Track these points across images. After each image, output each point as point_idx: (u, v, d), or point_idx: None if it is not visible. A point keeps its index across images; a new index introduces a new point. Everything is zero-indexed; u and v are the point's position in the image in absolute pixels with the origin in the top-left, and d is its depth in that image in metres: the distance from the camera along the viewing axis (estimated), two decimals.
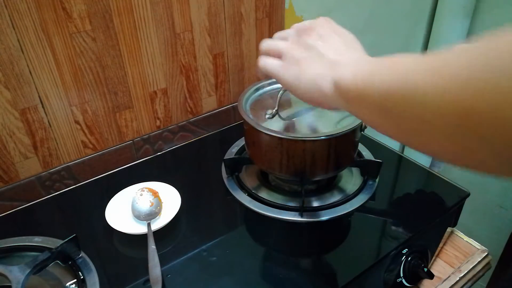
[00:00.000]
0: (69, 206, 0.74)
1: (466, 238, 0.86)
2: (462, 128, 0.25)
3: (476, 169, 0.28)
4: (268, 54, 0.50)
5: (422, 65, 0.30)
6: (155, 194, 0.69)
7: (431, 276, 0.66)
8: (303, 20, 0.98)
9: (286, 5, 0.93)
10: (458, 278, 0.77)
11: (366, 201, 0.71)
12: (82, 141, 0.76)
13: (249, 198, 0.71)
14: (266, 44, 0.51)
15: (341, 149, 0.67)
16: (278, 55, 0.48)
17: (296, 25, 0.48)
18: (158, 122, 0.85)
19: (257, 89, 0.76)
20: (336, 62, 0.42)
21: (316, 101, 0.44)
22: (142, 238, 0.65)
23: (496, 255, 1.37)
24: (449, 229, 0.86)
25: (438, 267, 0.80)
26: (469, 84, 0.24)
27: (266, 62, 0.49)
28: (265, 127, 0.65)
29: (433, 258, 0.81)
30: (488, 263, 0.82)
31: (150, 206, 0.67)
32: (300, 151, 0.64)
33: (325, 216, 0.68)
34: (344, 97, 0.39)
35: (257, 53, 0.92)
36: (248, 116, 0.68)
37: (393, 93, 0.32)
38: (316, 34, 0.45)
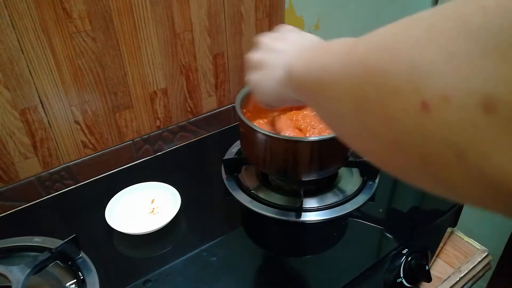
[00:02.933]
0: (69, 206, 0.74)
1: (466, 238, 0.86)
2: (361, 109, 0.25)
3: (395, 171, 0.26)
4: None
5: (341, 49, 0.30)
6: None
7: (429, 279, 0.66)
8: (303, 20, 0.99)
9: (286, 5, 0.93)
10: (458, 278, 0.77)
11: (366, 202, 0.71)
12: (82, 141, 0.76)
13: (248, 198, 0.71)
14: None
15: (330, 151, 0.67)
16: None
17: (259, 37, 0.50)
18: (158, 122, 0.85)
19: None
20: (288, 51, 0.43)
21: (278, 97, 0.45)
22: (142, 238, 0.65)
23: (496, 255, 1.37)
24: (449, 229, 0.86)
25: (438, 267, 0.80)
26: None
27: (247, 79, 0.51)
28: (259, 127, 0.65)
29: (433, 258, 0.81)
30: (488, 263, 0.82)
31: None
32: (282, 151, 0.65)
33: (324, 216, 0.68)
34: (291, 85, 0.40)
35: None
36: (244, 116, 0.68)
37: (316, 80, 0.32)
38: (273, 39, 0.47)
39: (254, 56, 0.48)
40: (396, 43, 0.22)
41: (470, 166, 0.18)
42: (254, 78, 0.48)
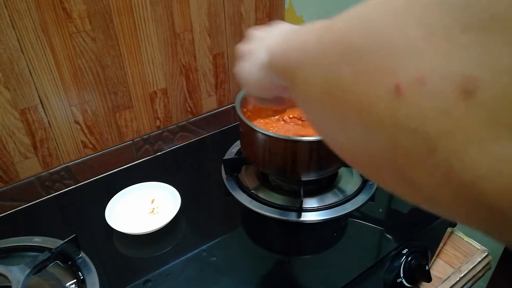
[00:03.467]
0: (69, 206, 0.74)
1: (466, 238, 0.86)
2: (330, 98, 0.23)
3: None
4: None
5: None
6: None
7: (429, 279, 0.66)
8: (303, 20, 0.99)
9: (286, 5, 0.93)
10: (458, 278, 0.77)
11: (366, 202, 0.71)
12: (82, 141, 0.76)
13: (248, 198, 0.71)
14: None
15: (330, 151, 0.67)
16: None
17: (251, 30, 0.49)
18: (158, 122, 0.85)
19: None
20: (273, 37, 0.42)
21: (263, 85, 0.43)
22: (142, 238, 0.65)
23: (496, 255, 1.37)
24: (449, 229, 0.86)
25: (438, 267, 0.80)
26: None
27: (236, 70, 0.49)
28: (259, 127, 0.65)
29: (433, 258, 0.81)
30: (488, 263, 0.82)
31: None
32: (282, 150, 0.65)
33: (324, 216, 0.68)
34: (273, 69, 0.38)
35: None
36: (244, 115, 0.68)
37: (293, 61, 0.30)
38: (262, 32, 0.46)
39: (242, 46, 0.47)
40: (377, 17, 0.20)
41: (440, 163, 0.16)
42: (240, 67, 0.46)
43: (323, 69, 0.24)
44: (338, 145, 0.25)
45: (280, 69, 0.35)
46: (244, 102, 0.74)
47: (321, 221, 0.67)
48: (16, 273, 0.52)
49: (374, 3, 0.21)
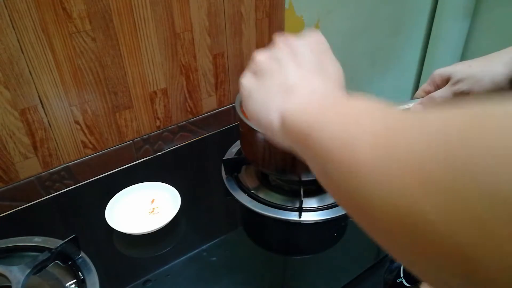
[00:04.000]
0: (69, 206, 0.74)
1: None
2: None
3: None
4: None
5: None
6: None
7: None
8: (303, 20, 0.99)
9: (286, 5, 0.93)
10: None
11: None
12: (82, 141, 0.76)
13: (248, 198, 0.71)
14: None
15: None
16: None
17: (279, 36, 0.41)
18: (158, 122, 0.85)
19: None
20: (292, 87, 0.35)
21: (263, 126, 0.37)
22: (142, 238, 0.65)
23: None
24: None
25: None
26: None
27: (241, 78, 0.42)
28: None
29: None
30: None
31: None
32: (281, 150, 0.64)
33: (324, 216, 0.68)
34: (285, 132, 0.33)
35: None
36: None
37: (334, 157, 0.25)
38: (290, 49, 0.38)
39: (260, 56, 0.40)
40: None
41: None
42: (248, 82, 0.40)
43: (389, 185, 0.20)
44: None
45: (295, 139, 0.31)
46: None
47: (321, 221, 0.67)
48: (16, 273, 0.52)
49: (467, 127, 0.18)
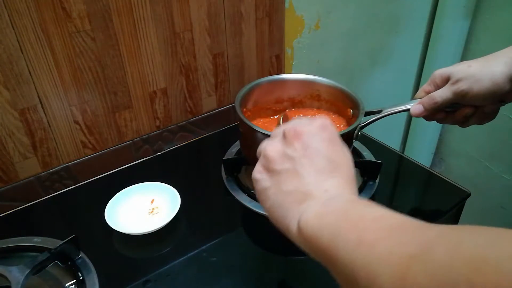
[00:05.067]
0: (69, 206, 0.74)
1: None
2: None
3: None
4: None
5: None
6: None
7: None
8: (303, 20, 0.99)
9: (286, 5, 0.93)
10: None
11: None
12: (82, 141, 0.76)
13: (248, 198, 0.71)
14: (259, 148, 0.43)
15: None
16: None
17: (286, 127, 0.40)
18: (157, 122, 0.85)
19: (253, 88, 0.76)
20: (307, 196, 0.36)
21: (280, 227, 0.39)
22: (142, 238, 0.65)
23: None
24: None
25: None
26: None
27: (253, 171, 0.42)
28: (259, 127, 0.65)
29: None
30: None
31: None
32: None
33: None
34: (304, 241, 0.36)
35: (257, 52, 0.92)
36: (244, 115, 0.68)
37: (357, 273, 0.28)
38: (301, 143, 0.38)
39: (271, 152, 0.39)
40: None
41: None
42: (262, 179, 0.40)
43: None
44: None
45: (312, 248, 0.33)
46: (244, 102, 0.74)
47: None
48: (16, 274, 0.52)
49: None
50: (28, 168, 0.72)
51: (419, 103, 0.62)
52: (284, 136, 0.40)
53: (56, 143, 0.73)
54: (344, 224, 0.31)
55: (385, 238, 0.27)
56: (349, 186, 0.37)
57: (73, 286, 0.57)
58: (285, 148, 0.39)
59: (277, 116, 0.81)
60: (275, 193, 0.38)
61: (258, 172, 0.40)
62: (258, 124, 0.77)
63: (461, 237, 0.23)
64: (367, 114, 0.68)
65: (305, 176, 0.37)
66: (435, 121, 0.65)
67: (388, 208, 0.31)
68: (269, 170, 0.39)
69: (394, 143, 1.52)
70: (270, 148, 0.40)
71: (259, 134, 0.65)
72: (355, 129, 0.65)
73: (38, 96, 0.68)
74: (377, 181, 0.75)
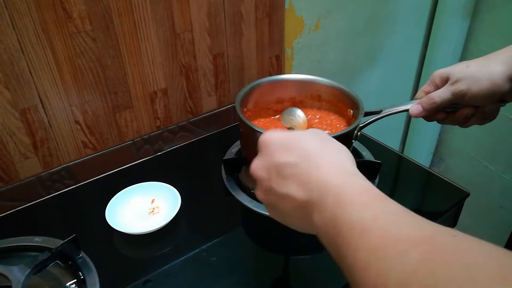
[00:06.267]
0: (69, 206, 0.74)
1: None
2: None
3: None
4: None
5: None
6: None
7: None
8: (303, 20, 0.99)
9: (286, 5, 0.93)
10: None
11: None
12: (82, 141, 0.76)
13: (248, 198, 0.71)
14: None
15: None
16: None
17: (266, 142, 0.40)
18: (158, 122, 0.85)
19: (253, 88, 0.76)
20: (308, 206, 0.36)
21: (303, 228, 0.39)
22: (142, 238, 0.65)
23: None
24: None
25: None
26: None
27: (258, 196, 0.43)
28: (259, 127, 0.65)
29: None
30: None
31: None
32: None
33: None
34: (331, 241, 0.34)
35: (257, 52, 0.93)
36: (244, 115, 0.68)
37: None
38: (268, 154, 0.39)
39: (258, 172, 0.40)
40: None
41: None
42: (264, 199, 0.41)
43: None
44: None
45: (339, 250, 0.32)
46: (244, 102, 0.74)
47: None
48: (16, 273, 0.52)
49: None
50: (29, 168, 0.72)
51: (418, 103, 0.62)
52: (260, 150, 0.41)
53: (56, 143, 0.73)
54: (348, 232, 0.31)
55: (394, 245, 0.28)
56: (336, 169, 0.36)
57: (73, 285, 0.57)
58: (267, 165, 0.39)
59: (277, 117, 0.81)
60: (279, 214, 0.40)
61: (258, 194, 0.42)
62: (259, 124, 0.77)
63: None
64: (367, 114, 0.68)
65: (293, 191, 0.36)
66: (435, 121, 0.65)
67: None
68: (265, 190, 0.40)
69: (393, 143, 1.53)
70: (255, 169, 0.41)
71: (259, 134, 0.65)
72: (354, 129, 0.65)
73: (39, 96, 0.68)
74: (376, 181, 0.75)
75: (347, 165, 0.37)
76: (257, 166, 0.41)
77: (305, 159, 0.37)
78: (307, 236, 0.67)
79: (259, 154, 0.41)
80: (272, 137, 0.40)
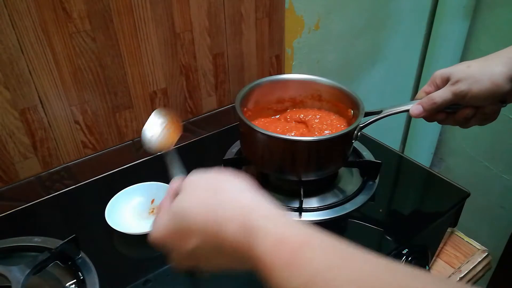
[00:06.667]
0: (69, 206, 0.74)
1: (466, 238, 0.86)
2: None
3: None
4: None
5: None
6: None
7: None
8: (303, 20, 0.99)
9: (286, 5, 0.93)
10: (458, 279, 0.77)
11: (366, 202, 0.71)
12: (82, 141, 0.76)
13: None
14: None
15: (329, 151, 0.67)
16: None
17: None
18: None
19: (254, 88, 0.76)
20: (224, 252, 0.37)
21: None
22: (142, 238, 0.65)
23: (497, 255, 1.37)
24: (449, 229, 0.86)
25: (438, 267, 0.80)
26: None
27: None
28: (259, 127, 0.65)
29: (433, 258, 0.81)
30: (488, 263, 0.83)
31: None
32: (281, 151, 0.66)
33: (324, 216, 0.68)
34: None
35: (257, 52, 0.92)
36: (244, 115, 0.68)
37: None
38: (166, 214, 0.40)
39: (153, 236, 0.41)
40: None
41: None
42: (195, 266, 0.41)
43: None
44: None
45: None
46: (244, 102, 0.74)
47: (321, 221, 0.67)
48: (16, 273, 0.52)
49: None
50: (29, 168, 0.72)
51: (418, 103, 0.62)
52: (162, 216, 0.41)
53: (56, 143, 0.73)
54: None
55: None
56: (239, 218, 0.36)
57: (73, 286, 0.57)
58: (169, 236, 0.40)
59: (277, 117, 0.81)
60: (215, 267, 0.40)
61: (182, 266, 0.42)
62: (259, 124, 0.77)
63: None
64: (367, 114, 0.68)
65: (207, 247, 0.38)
66: (436, 121, 0.65)
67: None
68: (185, 258, 0.41)
69: (394, 143, 1.53)
70: (158, 242, 0.41)
71: (259, 134, 0.65)
72: (354, 129, 0.65)
73: (39, 96, 0.68)
74: (376, 181, 0.75)
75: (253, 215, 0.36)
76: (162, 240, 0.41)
77: (207, 238, 0.38)
78: None
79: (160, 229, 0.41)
80: (163, 220, 0.41)
